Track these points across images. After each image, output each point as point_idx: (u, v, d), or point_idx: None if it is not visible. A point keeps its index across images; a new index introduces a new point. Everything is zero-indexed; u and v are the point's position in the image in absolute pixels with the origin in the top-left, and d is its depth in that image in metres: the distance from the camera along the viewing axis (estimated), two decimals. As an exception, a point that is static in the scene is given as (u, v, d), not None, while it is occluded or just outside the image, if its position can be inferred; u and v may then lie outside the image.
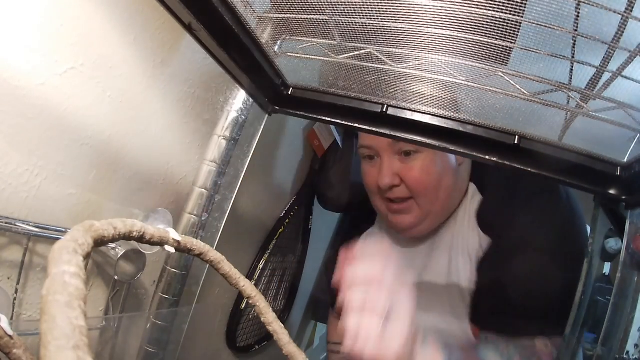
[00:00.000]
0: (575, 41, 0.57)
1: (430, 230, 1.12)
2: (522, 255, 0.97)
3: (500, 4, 0.55)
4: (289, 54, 0.83)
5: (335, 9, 0.66)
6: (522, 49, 0.61)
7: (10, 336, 0.48)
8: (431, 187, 1.05)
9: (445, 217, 1.12)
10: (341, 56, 0.77)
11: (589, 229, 0.90)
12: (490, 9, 0.56)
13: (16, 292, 0.76)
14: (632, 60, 0.56)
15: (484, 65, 0.67)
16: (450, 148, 0.79)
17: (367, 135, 1.09)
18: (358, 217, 1.42)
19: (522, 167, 0.75)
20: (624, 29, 0.52)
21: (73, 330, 0.24)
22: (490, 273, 1.02)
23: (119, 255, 0.84)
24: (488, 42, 0.62)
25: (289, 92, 0.92)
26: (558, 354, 0.95)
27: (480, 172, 1.14)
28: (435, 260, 1.13)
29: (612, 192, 0.74)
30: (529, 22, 0.56)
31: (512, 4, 0.54)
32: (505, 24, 0.58)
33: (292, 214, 1.76)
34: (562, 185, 1.03)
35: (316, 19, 0.70)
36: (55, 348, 0.23)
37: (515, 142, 0.74)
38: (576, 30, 0.55)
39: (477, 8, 0.56)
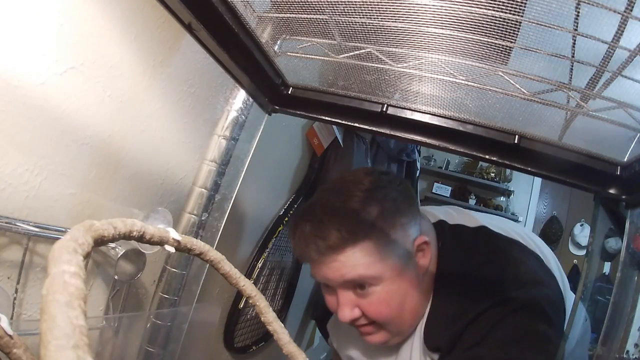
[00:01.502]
0: (575, 40, 0.57)
1: (403, 339, 1.04)
2: None
3: (501, 4, 0.55)
4: (288, 53, 0.83)
5: (335, 8, 0.66)
6: (522, 48, 0.61)
7: (10, 336, 0.48)
8: (393, 315, 0.96)
9: (415, 325, 1.02)
10: (341, 56, 0.77)
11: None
12: (490, 8, 0.56)
13: (16, 291, 0.76)
14: (632, 59, 0.56)
15: (484, 65, 0.67)
16: (450, 147, 0.79)
17: (317, 269, 0.99)
18: None
19: (522, 167, 0.75)
20: (624, 28, 0.52)
21: (73, 329, 0.24)
22: None
23: (119, 255, 0.84)
24: (488, 42, 0.62)
25: (289, 92, 0.91)
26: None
27: (440, 278, 1.02)
28: None
29: (612, 191, 0.74)
30: (529, 22, 0.56)
31: (512, 4, 0.54)
32: (505, 24, 0.58)
33: (291, 212, 1.76)
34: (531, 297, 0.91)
35: (316, 19, 0.70)
36: (55, 347, 0.23)
37: (515, 141, 0.74)
38: (576, 30, 0.55)
39: (477, 7, 0.56)
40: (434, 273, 1.02)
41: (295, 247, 1.01)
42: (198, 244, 0.55)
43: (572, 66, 0.62)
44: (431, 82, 0.75)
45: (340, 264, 0.93)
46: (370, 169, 1.15)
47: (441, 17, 0.60)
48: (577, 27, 0.55)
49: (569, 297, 1.04)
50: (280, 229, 1.72)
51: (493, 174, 5.20)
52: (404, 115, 0.80)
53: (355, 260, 0.92)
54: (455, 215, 1.11)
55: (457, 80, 0.71)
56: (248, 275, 1.56)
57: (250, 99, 0.95)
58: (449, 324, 0.92)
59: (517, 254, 0.98)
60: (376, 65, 0.76)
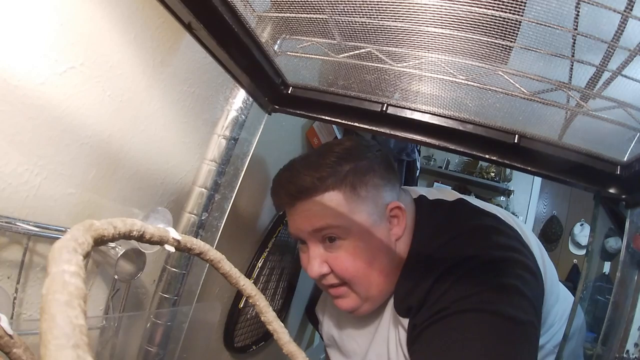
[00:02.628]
0: (575, 40, 0.57)
1: (373, 309, 1.04)
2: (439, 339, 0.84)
3: (501, 3, 0.55)
4: (288, 53, 0.83)
5: (334, 7, 0.66)
6: (522, 47, 0.61)
7: (10, 335, 0.48)
8: (360, 274, 0.97)
9: (387, 295, 1.03)
10: (341, 55, 0.77)
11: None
12: (490, 7, 0.56)
13: (16, 291, 0.76)
14: (632, 59, 0.56)
15: (484, 64, 0.67)
16: (450, 147, 0.79)
17: (290, 224, 1.05)
18: None
19: (522, 166, 0.75)
20: (624, 27, 0.52)
21: (73, 329, 0.24)
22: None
23: (119, 255, 0.84)
24: (488, 41, 0.62)
25: (289, 92, 0.91)
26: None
27: (414, 247, 1.02)
28: (375, 345, 1.07)
29: (612, 191, 0.74)
30: (529, 21, 0.56)
31: (512, 3, 0.54)
32: (505, 23, 0.58)
33: (291, 211, 1.76)
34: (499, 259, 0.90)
35: (316, 18, 0.70)
36: (55, 347, 0.23)
37: (515, 141, 0.74)
38: (576, 29, 0.55)
39: (477, 7, 0.56)
40: (408, 245, 1.03)
41: (273, 194, 1.07)
42: (198, 244, 0.55)
43: (572, 65, 0.62)
44: (431, 82, 0.75)
45: (310, 212, 0.98)
46: (356, 137, 1.17)
47: (441, 17, 0.60)
48: (577, 26, 0.55)
49: (558, 288, 1.04)
50: (280, 228, 1.72)
51: (493, 174, 5.21)
52: (403, 115, 0.80)
53: (324, 208, 0.96)
54: (436, 192, 1.13)
55: (457, 80, 0.71)
56: (248, 275, 1.57)
57: (250, 99, 0.95)
58: (417, 283, 0.92)
59: (492, 223, 0.99)
60: (376, 64, 0.76)
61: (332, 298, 1.06)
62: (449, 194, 1.11)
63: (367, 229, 0.97)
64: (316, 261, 1.00)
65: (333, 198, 0.96)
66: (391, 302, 1.02)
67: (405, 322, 0.94)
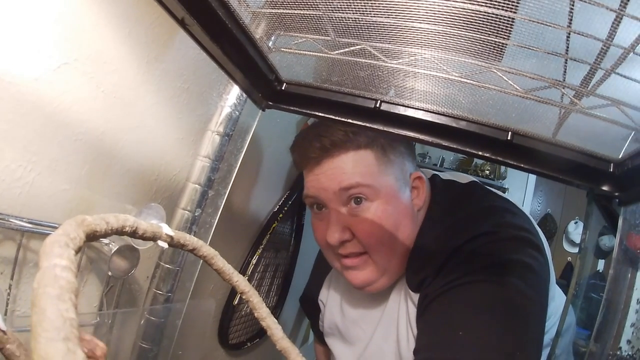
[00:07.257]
0: (569, 38, 0.58)
1: (388, 286, 1.00)
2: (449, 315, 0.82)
3: (494, 0, 0.55)
4: (282, 49, 0.83)
5: (329, 4, 0.66)
6: (516, 45, 0.61)
7: (3, 331, 0.47)
8: (386, 239, 0.94)
9: (401, 271, 0.99)
10: (335, 52, 0.77)
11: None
12: (484, 4, 0.56)
13: (10, 287, 0.76)
14: (626, 57, 0.56)
15: (477, 62, 0.67)
16: (444, 144, 0.79)
17: (311, 184, 0.98)
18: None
19: (515, 163, 0.75)
20: (618, 25, 0.52)
21: (63, 322, 0.24)
22: (421, 339, 0.87)
23: (113, 251, 0.84)
24: (482, 38, 0.62)
25: (283, 88, 0.91)
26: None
27: (427, 222, 1.01)
28: (382, 328, 1.04)
29: (605, 188, 0.74)
30: (523, 19, 0.56)
31: (505, 0, 0.54)
32: (498, 20, 0.58)
33: (285, 208, 1.76)
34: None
35: (310, 15, 0.70)
36: (45, 340, 0.23)
37: (509, 138, 0.74)
38: (570, 27, 0.55)
39: (471, 3, 0.56)
40: (422, 219, 1.01)
41: (297, 148, 1.01)
42: (191, 240, 0.55)
43: (566, 63, 0.62)
44: (425, 79, 0.75)
45: (339, 169, 0.94)
46: None
47: (435, 14, 0.60)
48: (571, 24, 0.55)
49: (554, 284, 1.04)
50: (274, 225, 1.72)
51: (488, 171, 5.20)
52: (397, 112, 0.80)
53: (355, 165, 0.93)
54: (448, 175, 1.12)
55: (451, 77, 0.71)
56: (242, 272, 1.57)
57: (244, 95, 0.95)
58: (433, 256, 0.90)
59: (506, 205, 0.98)
60: (370, 61, 0.76)
61: (344, 271, 1.00)
62: (461, 177, 1.09)
63: (395, 193, 0.95)
64: (338, 226, 0.95)
65: (365, 157, 0.94)
66: (402, 280, 1.00)
67: (416, 297, 0.92)
